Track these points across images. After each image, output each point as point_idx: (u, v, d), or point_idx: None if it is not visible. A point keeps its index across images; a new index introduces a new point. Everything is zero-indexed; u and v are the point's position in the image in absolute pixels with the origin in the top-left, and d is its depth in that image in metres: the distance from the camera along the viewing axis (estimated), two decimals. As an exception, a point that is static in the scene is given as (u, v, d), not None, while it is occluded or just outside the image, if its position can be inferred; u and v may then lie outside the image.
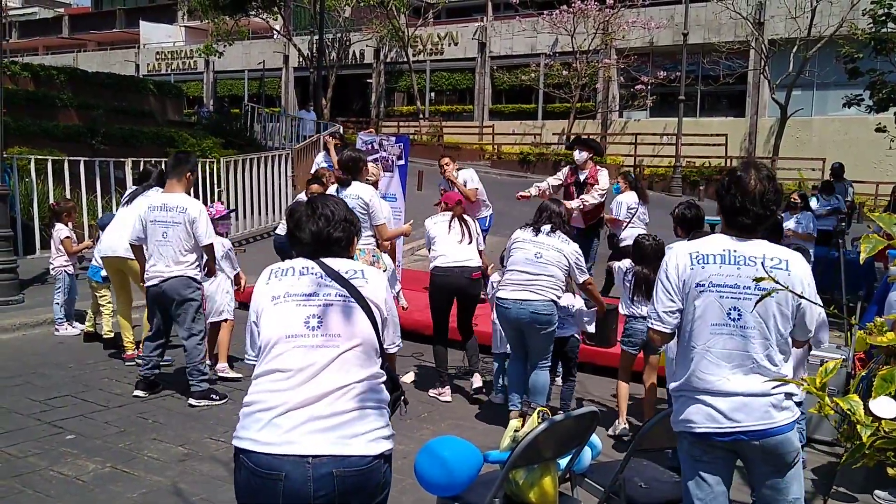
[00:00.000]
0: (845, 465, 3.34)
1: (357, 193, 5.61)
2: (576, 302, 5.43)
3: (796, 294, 2.43)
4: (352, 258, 2.57)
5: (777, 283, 2.19)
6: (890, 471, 3.48)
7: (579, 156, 8.10)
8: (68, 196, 9.71)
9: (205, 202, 10.54)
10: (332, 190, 5.83)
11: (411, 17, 29.49)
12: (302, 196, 6.55)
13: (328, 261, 2.46)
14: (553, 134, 25.34)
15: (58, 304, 7.26)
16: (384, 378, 2.44)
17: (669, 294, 2.76)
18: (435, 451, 2.89)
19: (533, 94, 27.31)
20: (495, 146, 26.03)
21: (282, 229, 7.60)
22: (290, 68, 33.00)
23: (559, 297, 5.05)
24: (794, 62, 21.28)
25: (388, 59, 30.72)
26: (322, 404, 2.26)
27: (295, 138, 19.49)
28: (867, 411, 2.11)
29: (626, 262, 5.28)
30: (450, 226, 5.76)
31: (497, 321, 5.57)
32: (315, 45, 25.65)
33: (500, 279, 5.25)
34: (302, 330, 2.33)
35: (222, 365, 6.05)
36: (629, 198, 8.15)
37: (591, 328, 5.70)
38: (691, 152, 22.65)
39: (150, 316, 5.64)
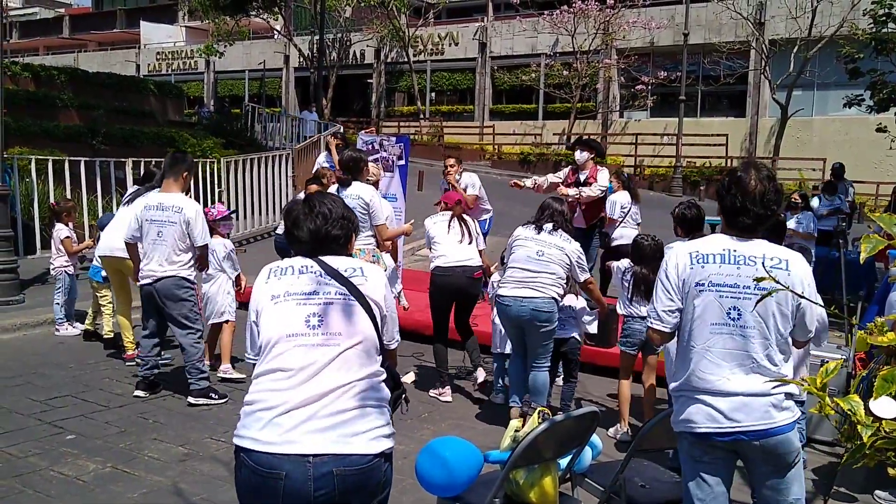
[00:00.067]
0: (846, 466, 3.34)
1: (357, 193, 5.61)
2: (577, 303, 5.43)
3: (796, 294, 2.43)
4: (350, 256, 2.56)
5: (777, 282, 2.19)
6: (891, 471, 3.48)
7: (580, 156, 8.11)
8: (69, 196, 9.71)
9: (205, 202, 10.60)
10: (332, 190, 5.83)
11: (412, 18, 29.51)
12: (301, 196, 6.54)
13: (327, 259, 2.46)
14: (553, 134, 25.34)
15: (58, 304, 7.27)
16: (384, 376, 2.44)
17: (669, 293, 2.76)
18: (435, 451, 2.89)
19: (533, 95, 27.32)
20: (496, 146, 26.03)
21: (282, 229, 7.58)
22: (290, 68, 33.01)
23: (560, 295, 5.05)
24: (795, 62, 21.27)
25: (389, 60, 30.72)
26: (323, 403, 2.26)
27: (295, 138, 19.51)
28: (868, 411, 2.11)
29: (625, 262, 5.28)
30: (449, 225, 5.76)
31: (498, 321, 5.57)
32: (316, 46, 25.68)
33: (501, 277, 5.25)
34: (302, 329, 2.33)
35: (225, 366, 6.04)
36: (622, 197, 8.17)
37: (594, 328, 5.70)
38: (692, 152, 22.65)
39: (144, 315, 5.64)
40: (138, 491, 4.04)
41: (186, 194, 5.59)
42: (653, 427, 3.14)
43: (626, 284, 5.12)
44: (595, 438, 3.25)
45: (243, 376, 5.99)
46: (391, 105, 31.40)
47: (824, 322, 2.80)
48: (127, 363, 6.31)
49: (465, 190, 8.08)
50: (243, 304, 6.05)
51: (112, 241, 6.19)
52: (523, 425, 3.17)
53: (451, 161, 8.24)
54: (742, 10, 22.29)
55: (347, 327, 2.35)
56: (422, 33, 29.26)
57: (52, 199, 9.28)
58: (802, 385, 2.29)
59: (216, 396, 5.46)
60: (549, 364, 5.14)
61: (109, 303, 6.86)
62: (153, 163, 8.77)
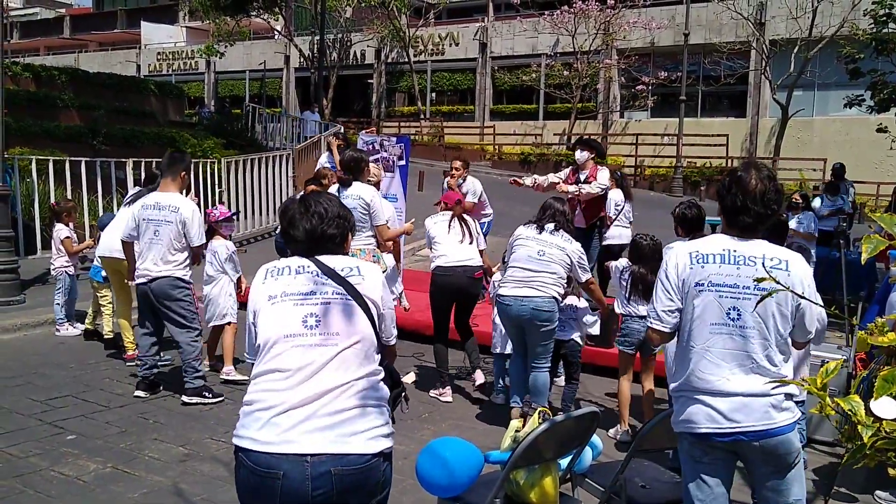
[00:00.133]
0: (846, 466, 3.34)
1: (358, 194, 5.61)
2: (580, 304, 5.43)
3: (796, 294, 2.43)
4: (347, 255, 2.56)
5: (777, 283, 2.18)
6: (891, 471, 3.48)
7: (580, 155, 8.10)
8: (69, 196, 9.72)
9: (206, 202, 10.60)
10: (333, 190, 5.82)
11: (412, 18, 29.52)
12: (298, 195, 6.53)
13: (324, 258, 2.46)
14: (554, 134, 25.34)
15: (58, 304, 7.27)
16: (383, 375, 2.44)
17: (669, 293, 2.76)
18: (436, 451, 2.88)
19: (534, 95, 27.33)
20: (496, 146, 26.05)
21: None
22: (291, 69, 33.03)
23: (561, 294, 5.05)
24: (795, 62, 21.28)
25: (389, 60, 30.74)
26: (321, 403, 2.26)
27: (296, 139, 19.51)
28: (868, 412, 2.11)
29: (623, 262, 5.28)
30: (450, 225, 5.76)
31: (498, 321, 5.57)
32: (316, 46, 25.68)
33: (502, 277, 5.25)
34: (300, 329, 2.33)
35: (228, 368, 6.03)
36: (616, 195, 8.18)
37: (595, 330, 5.68)
38: (692, 153, 22.66)
39: (140, 315, 5.64)
40: (139, 491, 4.04)
41: (186, 193, 5.59)
42: (653, 427, 3.14)
43: (624, 284, 5.12)
44: (595, 439, 3.25)
45: (246, 378, 5.95)
46: (392, 105, 31.41)
47: (824, 322, 2.79)
48: (127, 363, 6.31)
49: (465, 195, 8.08)
50: (244, 305, 6.06)
51: (112, 242, 6.19)
52: (524, 425, 3.17)
53: (458, 164, 8.22)
54: (742, 11, 22.30)
55: (345, 327, 2.35)
56: (422, 33, 29.27)
57: (52, 200, 9.29)
58: (802, 385, 2.29)
59: (210, 395, 5.46)
60: (549, 364, 5.13)
61: (109, 303, 6.86)
62: (155, 164, 8.78)
